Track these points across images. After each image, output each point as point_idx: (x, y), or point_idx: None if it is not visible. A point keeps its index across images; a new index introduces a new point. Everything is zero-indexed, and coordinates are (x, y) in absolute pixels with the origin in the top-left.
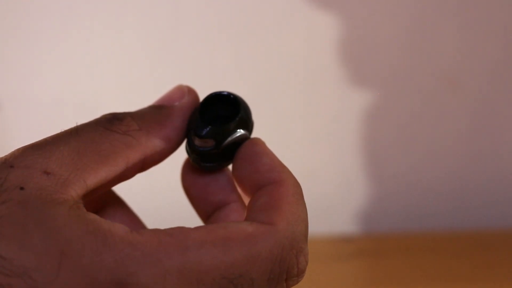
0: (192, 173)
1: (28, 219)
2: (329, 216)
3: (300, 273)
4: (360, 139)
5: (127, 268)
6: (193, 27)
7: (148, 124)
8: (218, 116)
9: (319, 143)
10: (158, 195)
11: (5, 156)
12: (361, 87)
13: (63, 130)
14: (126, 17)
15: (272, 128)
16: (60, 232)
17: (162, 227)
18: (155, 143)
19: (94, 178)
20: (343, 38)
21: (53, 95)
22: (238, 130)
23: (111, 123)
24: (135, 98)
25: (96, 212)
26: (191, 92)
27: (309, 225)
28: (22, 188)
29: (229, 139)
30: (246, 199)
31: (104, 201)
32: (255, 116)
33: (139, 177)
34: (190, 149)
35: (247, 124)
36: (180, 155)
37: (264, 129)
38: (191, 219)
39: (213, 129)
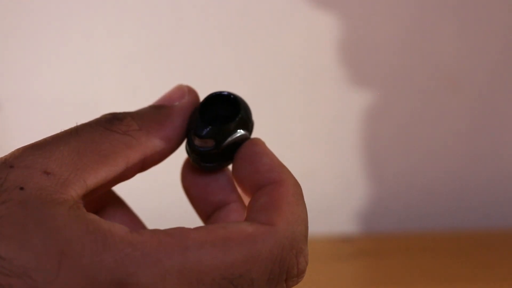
0: (192, 173)
1: (28, 219)
2: (329, 216)
3: (300, 274)
4: (360, 139)
5: (127, 268)
6: (193, 27)
7: (148, 124)
8: (218, 116)
9: (319, 143)
10: (158, 195)
11: (5, 156)
12: (361, 87)
13: (63, 130)
14: (126, 17)
15: (272, 128)
16: (60, 232)
17: (162, 227)
18: (155, 143)
19: (94, 178)
20: (343, 38)
21: (53, 95)
22: (238, 130)
23: (111, 123)
24: (135, 98)
25: (96, 212)
26: (191, 92)
27: (309, 225)
28: (22, 188)
29: (229, 139)
30: (246, 199)
31: (104, 201)
32: (255, 116)
33: (139, 177)
34: (190, 149)
35: (247, 124)
36: (180, 155)
37: (264, 129)
38: (191, 219)
39: (213, 129)
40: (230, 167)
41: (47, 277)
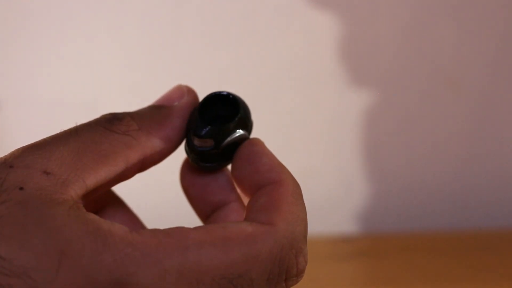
0: (191, 173)
1: (27, 219)
2: (328, 216)
3: (299, 273)
4: (359, 139)
5: (127, 268)
6: (193, 27)
7: (147, 124)
8: (217, 116)
9: (318, 143)
10: (158, 195)
11: (4, 156)
12: (360, 87)
13: (62, 130)
14: (126, 17)
15: (272, 128)
16: (59, 232)
17: (161, 227)
18: (154, 143)
19: (93, 178)
20: (343, 38)
21: (53, 95)
22: (238, 130)
23: (111, 123)
24: (135, 98)
25: (96, 212)
26: (190, 92)
27: (308, 225)
28: (21, 188)
29: (229, 139)
30: (246, 199)
31: (104, 201)
32: (254, 116)
33: (139, 177)
34: (189, 149)
35: (247, 124)
36: (180, 155)
37: (264, 129)
38: (190, 219)
39: (212, 129)
40: (229, 167)
41: (47, 277)
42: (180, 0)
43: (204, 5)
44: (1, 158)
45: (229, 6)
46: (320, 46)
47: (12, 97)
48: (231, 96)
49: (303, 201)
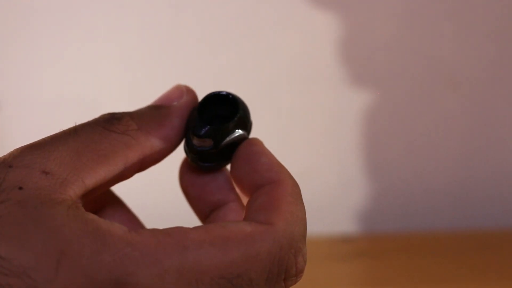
0: (190, 173)
1: (27, 219)
2: (328, 216)
3: (298, 273)
4: (360, 138)
5: (126, 268)
6: (192, 27)
7: (146, 124)
8: (216, 116)
9: (318, 143)
10: (157, 195)
11: (4, 156)
12: (361, 87)
13: (61, 130)
14: (126, 17)
15: (271, 128)
16: (59, 232)
17: (160, 227)
18: (153, 143)
19: (92, 178)
20: (343, 38)
21: (53, 95)
22: (237, 130)
23: (110, 123)
24: (135, 98)
25: (95, 212)
26: (189, 91)
27: (308, 225)
28: (21, 188)
29: (228, 139)
30: (245, 199)
31: (103, 201)
32: (254, 116)
33: (138, 177)
34: (188, 149)
35: (246, 124)
36: (179, 155)
37: (263, 129)
38: (189, 218)
39: (211, 129)
40: (228, 167)
41: (46, 276)
42: (180, 0)
43: (203, 5)
44: (0, 158)
45: (228, 6)
46: (319, 46)
47: (12, 97)
48: (230, 96)
49: (302, 201)
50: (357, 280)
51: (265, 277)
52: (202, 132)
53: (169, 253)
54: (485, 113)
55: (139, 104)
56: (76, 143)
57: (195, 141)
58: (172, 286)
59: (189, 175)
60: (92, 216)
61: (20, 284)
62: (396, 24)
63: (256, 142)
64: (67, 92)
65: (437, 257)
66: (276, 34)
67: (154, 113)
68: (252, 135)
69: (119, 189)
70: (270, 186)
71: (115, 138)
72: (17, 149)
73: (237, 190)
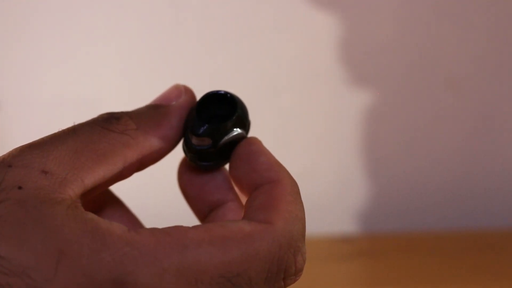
0: (189, 172)
1: (26, 219)
2: (328, 215)
3: (297, 272)
4: (359, 138)
5: (126, 267)
6: (192, 26)
7: (145, 123)
8: (215, 115)
9: (317, 143)
10: (156, 194)
11: (3, 155)
12: (360, 87)
13: (60, 130)
14: (126, 17)
15: (270, 127)
16: (58, 232)
17: (160, 226)
18: (152, 142)
19: (92, 178)
20: (343, 38)
21: (53, 95)
22: (235, 129)
23: (109, 122)
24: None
25: (95, 212)
26: (188, 91)
27: (307, 224)
28: (20, 188)
29: (226, 137)
30: (243, 199)
31: (102, 201)
32: (253, 116)
33: (137, 176)
34: (187, 148)
35: (244, 123)
36: (177, 154)
37: (262, 128)
38: (188, 218)
39: (210, 128)
40: (227, 166)
41: (46, 276)
42: (180, 0)
43: (203, 5)
44: (0, 157)
45: (228, 6)
46: (319, 46)
47: (12, 97)
48: (228, 95)
49: (301, 200)
50: (356, 280)
51: (264, 276)
52: (201, 131)
53: (168, 252)
54: (484, 113)
55: (138, 104)
56: (75, 143)
57: (194, 140)
58: (171, 285)
59: (188, 174)
60: (91, 215)
61: (20, 283)
62: (396, 24)
63: (255, 141)
64: (67, 92)
65: (437, 257)
66: (276, 34)
67: (152, 113)
68: (252, 135)
69: (119, 189)
70: (269, 185)
71: (114, 137)
72: (16, 149)
73: (236, 189)
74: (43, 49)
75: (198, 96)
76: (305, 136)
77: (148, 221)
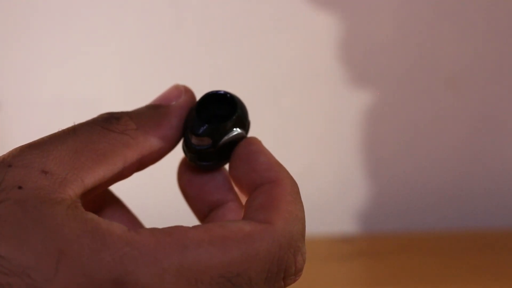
0: (189, 172)
1: (26, 218)
2: (328, 215)
3: (297, 272)
4: (359, 138)
5: (126, 267)
6: (192, 26)
7: (145, 123)
8: (215, 115)
9: (317, 143)
10: (155, 194)
11: (3, 155)
12: (360, 87)
13: (60, 130)
14: (126, 17)
15: (270, 127)
16: (58, 231)
17: (160, 226)
18: (152, 142)
19: (91, 177)
20: (343, 38)
21: (53, 95)
22: (235, 129)
23: (109, 122)
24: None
25: (95, 213)
26: (187, 91)
27: (307, 224)
28: (20, 188)
29: (226, 137)
30: (243, 198)
31: (102, 202)
32: (253, 116)
33: (136, 176)
34: (187, 148)
35: (244, 123)
36: (177, 154)
37: (262, 128)
38: (188, 218)
39: (210, 128)
40: (227, 166)
41: (46, 276)
42: (180, 0)
43: (203, 5)
44: (0, 157)
45: (228, 6)
46: (319, 46)
47: (12, 97)
48: (228, 95)
49: (301, 200)
50: (356, 280)
51: (264, 276)
52: (201, 130)
53: (168, 252)
54: (484, 113)
55: (138, 104)
56: (75, 143)
57: (194, 140)
58: (171, 285)
59: (188, 174)
60: (91, 215)
61: (20, 283)
62: (396, 24)
63: (255, 141)
64: (67, 92)
65: (437, 257)
66: (276, 34)
67: (152, 113)
68: (252, 135)
69: (119, 189)
70: (269, 185)
71: (114, 137)
72: (16, 149)
73: (236, 189)
74: (43, 49)
75: (198, 96)
76: (305, 136)
77: (148, 221)
